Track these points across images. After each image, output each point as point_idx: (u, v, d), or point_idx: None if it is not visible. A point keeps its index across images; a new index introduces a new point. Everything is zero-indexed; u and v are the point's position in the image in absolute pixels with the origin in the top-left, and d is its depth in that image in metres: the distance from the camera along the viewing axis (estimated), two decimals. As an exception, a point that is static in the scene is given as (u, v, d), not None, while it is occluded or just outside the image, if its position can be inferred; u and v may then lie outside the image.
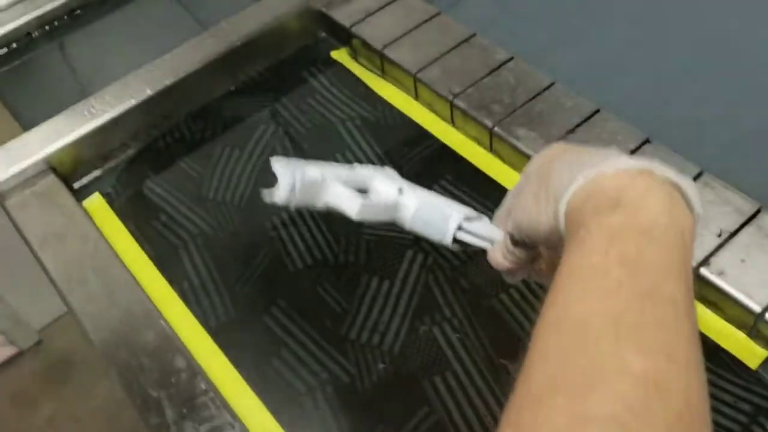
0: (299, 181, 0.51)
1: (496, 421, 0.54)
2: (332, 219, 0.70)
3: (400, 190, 0.54)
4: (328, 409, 0.59)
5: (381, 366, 0.61)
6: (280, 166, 0.50)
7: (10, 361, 1.84)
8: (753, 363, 0.56)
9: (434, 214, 0.53)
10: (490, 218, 0.53)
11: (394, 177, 0.56)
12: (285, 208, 0.72)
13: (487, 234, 0.52)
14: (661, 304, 0.32)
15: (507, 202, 0.51)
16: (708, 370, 0.56)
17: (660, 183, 0.37)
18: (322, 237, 0.70)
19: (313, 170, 0.52)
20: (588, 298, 0.32)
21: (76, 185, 0.79)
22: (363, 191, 0.54)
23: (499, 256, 0.49)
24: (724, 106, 0.65)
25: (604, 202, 0.36)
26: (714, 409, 0.54)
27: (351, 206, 0.52)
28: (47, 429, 1.74)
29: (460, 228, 0.52)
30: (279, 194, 0.51)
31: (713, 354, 0.57)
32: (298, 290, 0.67)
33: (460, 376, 0.59)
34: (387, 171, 0.57)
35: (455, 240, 0.52)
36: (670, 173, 0.38)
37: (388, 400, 0.59)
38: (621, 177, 0.37)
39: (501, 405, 0.57)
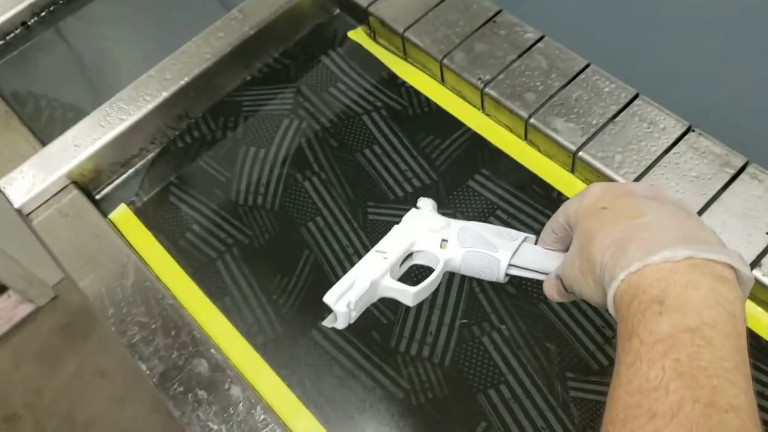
0: (353, 302, 0.55)
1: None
2: (369, 225, 0.69)
3: (443, 243, 0.57)
4: (385, 427, 0.60)
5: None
6: (331, 299, 0.55)
7: (29, 318, 1.86)
8: (806, 362, 0.57)
9: (482, 261, 0.56)
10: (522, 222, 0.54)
11: (433, 223, 0.59)
12: (319, 213, 0.71)
13: (537, 265, 0.55)
14: (723, 416, 0.33)
15: (551, 226, 0.53)
16: (761, 370, 0.56)
17: (702, 267, 0.38)
18: (359, 242, 0.69)
19: (362, 280, 0.56)
20: (653, 422, 0.34)
21: (98, 195, 0.77)
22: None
23: (554, 294, 0.52)
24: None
25: (649, 303, 0.38)
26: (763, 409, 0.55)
27: (405, 298, 0.56)
28: (73, 384, 1.78)
29: (510, 265, 0.55)
30: (339, 324, 0.55)
31: (766, 353, 0.58)
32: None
33: (514, 389, 0.60)
34: (423, 216, 0.60)
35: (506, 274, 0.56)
36: (711, 252, 0.39)
37: (445, 415, 0.60)
38: (661, 271, 0.38)
39: (557, 415, 0.58)
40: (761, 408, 0.55)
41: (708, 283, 0.38)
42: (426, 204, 0.62)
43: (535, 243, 0.59)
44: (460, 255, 0.56)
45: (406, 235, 0.59)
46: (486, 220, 0.67)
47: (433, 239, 0.58)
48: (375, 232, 0.69)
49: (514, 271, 0.56)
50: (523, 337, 0.62)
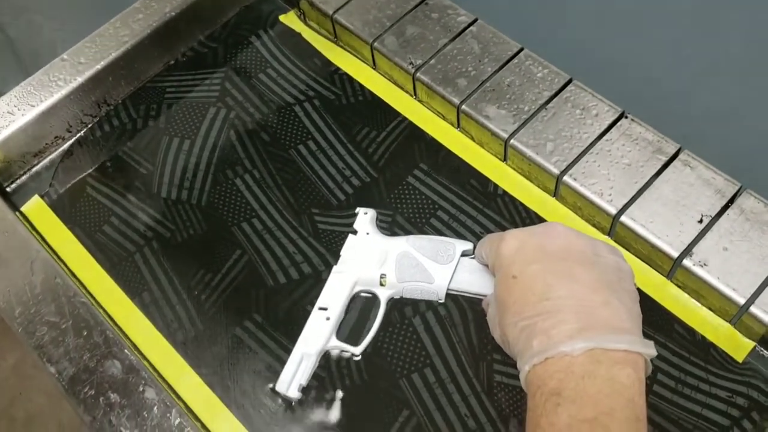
0: (304, 384, 0.57)
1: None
2: (322, 235, 0.66)
3: (382, 278, 0.59)
4: (309, 425, 0.57)
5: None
6: (282, 388, 0.57)
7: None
8: (739, 355, 0.56)
9: (422, 294, 0.59)
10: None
11: (371, 256, 0.60)
12: (255, 215, 0.67)
13: (473, 289, 0.58)
14: None
15: (479, 254, 0.56)
16: (699, 367, 0.55)
17: (599, 356, 0.40)
18: (312, 251, 0.64)
19: (309, 355, 0.57)
20: None
21: (9, 187, 0.73)
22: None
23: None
24: (708, 76, 0.61)
25: (549, 395, 0.40)
26: (706, 405, 0.54)
27: (354, 352, 0.58)
28: (12, 379, 1.72)
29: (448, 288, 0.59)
30: (295, 398, 0.57)
31: (703, 349, 0.56)
32: (276, 307, 0.62)
33: (440, 372, 0.57)
34: (361, 246, 0.61)
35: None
36: (609, 341, 0.40)
37: (365, 405, 0.57)
38: (560, 363, 0.41)
39: (480, 401, 0.56)
40: (699, 403, 0.54)
41: (604, 371, 0.40)
42: (363, 225, 0.63)
43: (473, 251, 0.60)
44: (400, 290, 0.59)
45: (347, 280, 0.60)
46: (428, 222, 0.65)
47: (372, 274, 0.59)
48: (329, 242, 0.65)
49: (453, 292, 0.59)
50: (461, 312, 0.59)
